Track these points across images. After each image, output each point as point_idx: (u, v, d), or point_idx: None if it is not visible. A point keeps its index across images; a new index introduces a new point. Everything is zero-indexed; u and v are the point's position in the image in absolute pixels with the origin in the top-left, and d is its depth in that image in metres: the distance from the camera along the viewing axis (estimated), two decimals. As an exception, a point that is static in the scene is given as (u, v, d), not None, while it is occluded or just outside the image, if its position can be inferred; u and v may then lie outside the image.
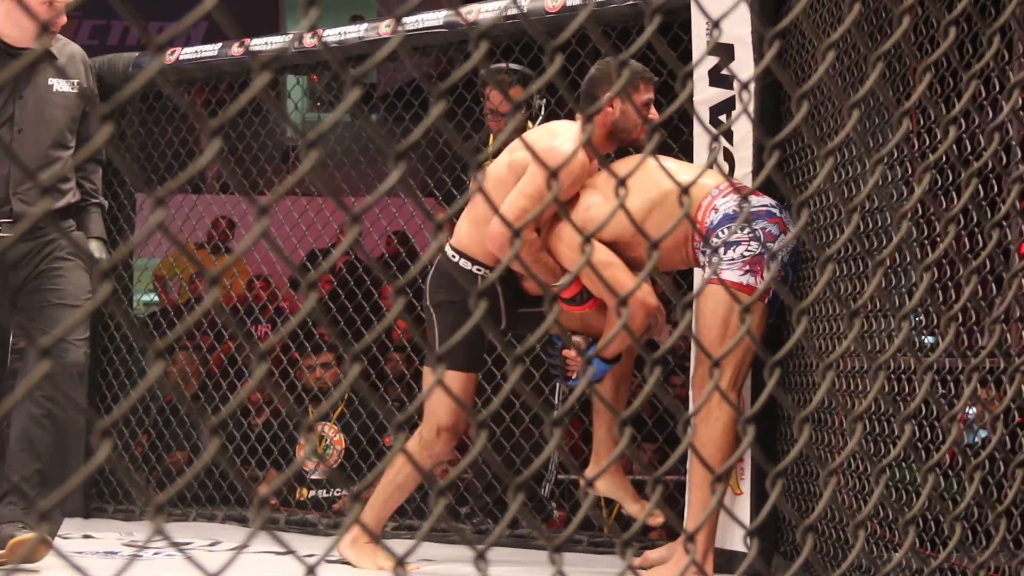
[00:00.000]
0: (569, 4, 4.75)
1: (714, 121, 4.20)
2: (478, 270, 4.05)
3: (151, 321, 6.42)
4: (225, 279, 6.24)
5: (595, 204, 3.87)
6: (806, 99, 1.42)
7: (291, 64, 5.59)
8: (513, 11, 4.63)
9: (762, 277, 3.62)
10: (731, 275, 3.63)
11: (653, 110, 3.98)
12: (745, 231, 3.62)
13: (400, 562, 1.26)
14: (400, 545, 4.71)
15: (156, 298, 7.30)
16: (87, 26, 11.55)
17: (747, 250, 3.65)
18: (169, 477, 5.79)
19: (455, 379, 4.02)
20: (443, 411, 4.03)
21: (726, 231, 3.67)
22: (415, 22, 5.08)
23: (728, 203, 3.73)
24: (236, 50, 5.53)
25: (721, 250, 3.64)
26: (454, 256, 4.08)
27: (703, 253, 3.80)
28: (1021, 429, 2.73)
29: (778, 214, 3.76)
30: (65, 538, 4.72)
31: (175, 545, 1.09)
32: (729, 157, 4.21)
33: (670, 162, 3.99)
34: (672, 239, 3.79)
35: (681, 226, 3.69)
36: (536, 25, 4.68)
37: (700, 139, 4.27)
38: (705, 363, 3.78)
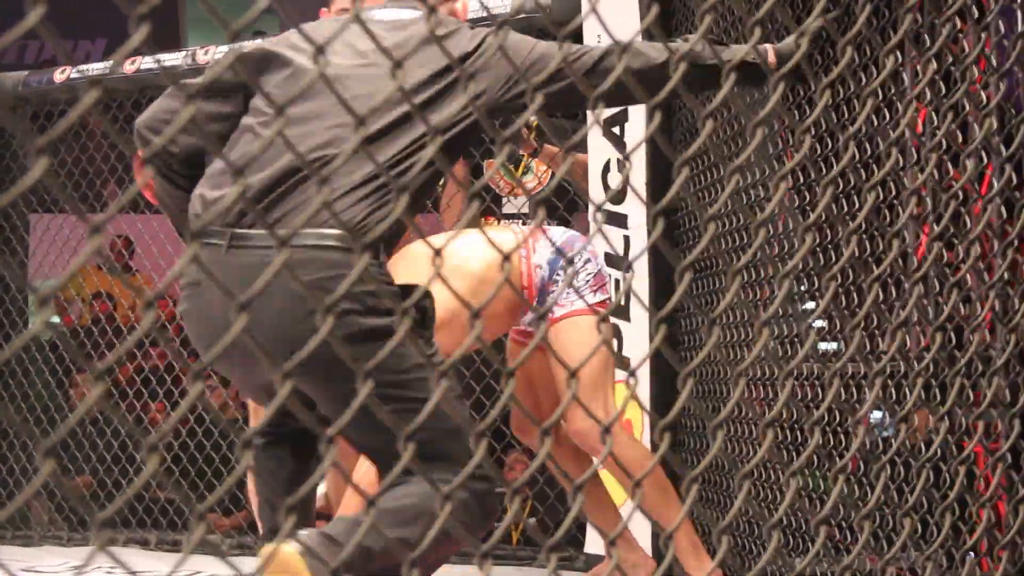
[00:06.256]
0: (469, 18, 4.77)
1: (607, 133, 4.29)
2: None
3: (48, 344, 6.33)
4: (124, 299, 6.18)
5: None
6: (711, 118, 1.47)
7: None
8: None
9: (604, 291, 3.67)
10: (589, 300, 3.64)
11: None
12: (577, 261, 3.63)
13: (335, 573, 1.29)
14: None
15: (57, 319, 7.20)
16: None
17: (588, 273, 3.69)
18: (68, 500, 5.69)
19: None
20: None
21: (560, 273, 3.65)
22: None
23: (544, 252, 3.69)
24: (128, 68, 5.47)
25: (573, 283, 3.63)
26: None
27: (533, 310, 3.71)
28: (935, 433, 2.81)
29: (577, 233, 3.80)
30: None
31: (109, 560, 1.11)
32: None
33: (469, 234, 3.61)
34: (505, 307, 3.68)
35: (509, 293, 3.56)
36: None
37: (594, 149, 4.35)
38: (585, 396, 3.61)
